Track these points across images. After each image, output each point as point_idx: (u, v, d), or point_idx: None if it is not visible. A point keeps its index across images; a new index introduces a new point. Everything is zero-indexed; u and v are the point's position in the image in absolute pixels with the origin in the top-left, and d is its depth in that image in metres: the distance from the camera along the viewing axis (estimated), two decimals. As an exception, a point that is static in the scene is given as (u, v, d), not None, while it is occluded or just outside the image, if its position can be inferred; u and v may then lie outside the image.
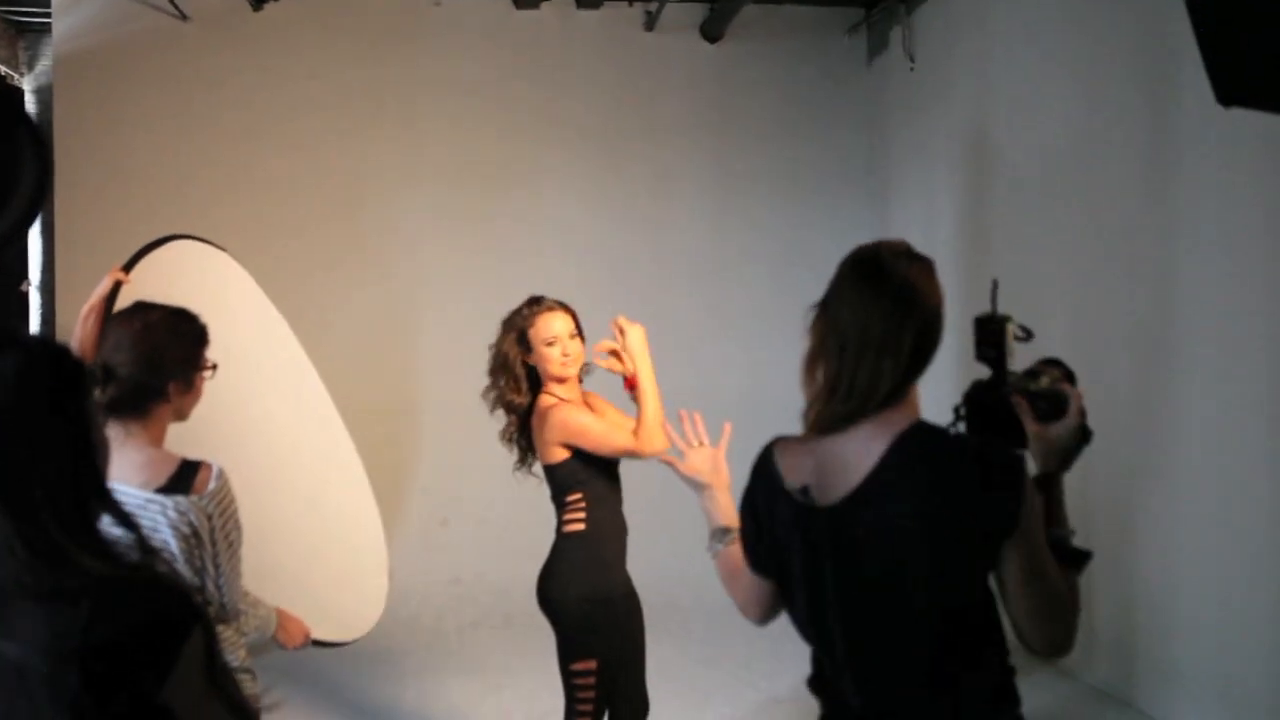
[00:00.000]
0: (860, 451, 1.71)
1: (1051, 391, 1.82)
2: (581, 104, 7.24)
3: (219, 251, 3.83)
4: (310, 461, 3.90)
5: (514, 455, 3.59)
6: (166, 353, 2.30)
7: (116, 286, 2.87)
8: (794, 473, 1.78)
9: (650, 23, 7.20)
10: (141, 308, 2.39)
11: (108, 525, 1.42)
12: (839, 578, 1.72)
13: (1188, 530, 4.45)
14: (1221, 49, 2.22)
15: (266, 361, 3.91)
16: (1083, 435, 1.83)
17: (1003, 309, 1.84)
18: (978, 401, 1.84)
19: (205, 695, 1.37)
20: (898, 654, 1.72)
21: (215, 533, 2.19)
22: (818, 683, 1.88)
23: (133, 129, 6.77)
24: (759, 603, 1.95)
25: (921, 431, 1.72)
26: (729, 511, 2.12)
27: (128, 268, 3.00)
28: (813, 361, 1.79)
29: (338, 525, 3.90)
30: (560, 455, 3.34)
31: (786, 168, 7.39)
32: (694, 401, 7.31)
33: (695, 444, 2.41)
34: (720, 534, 2.11)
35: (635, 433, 3.25)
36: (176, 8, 6.76)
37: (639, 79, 7.28)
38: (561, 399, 3.39)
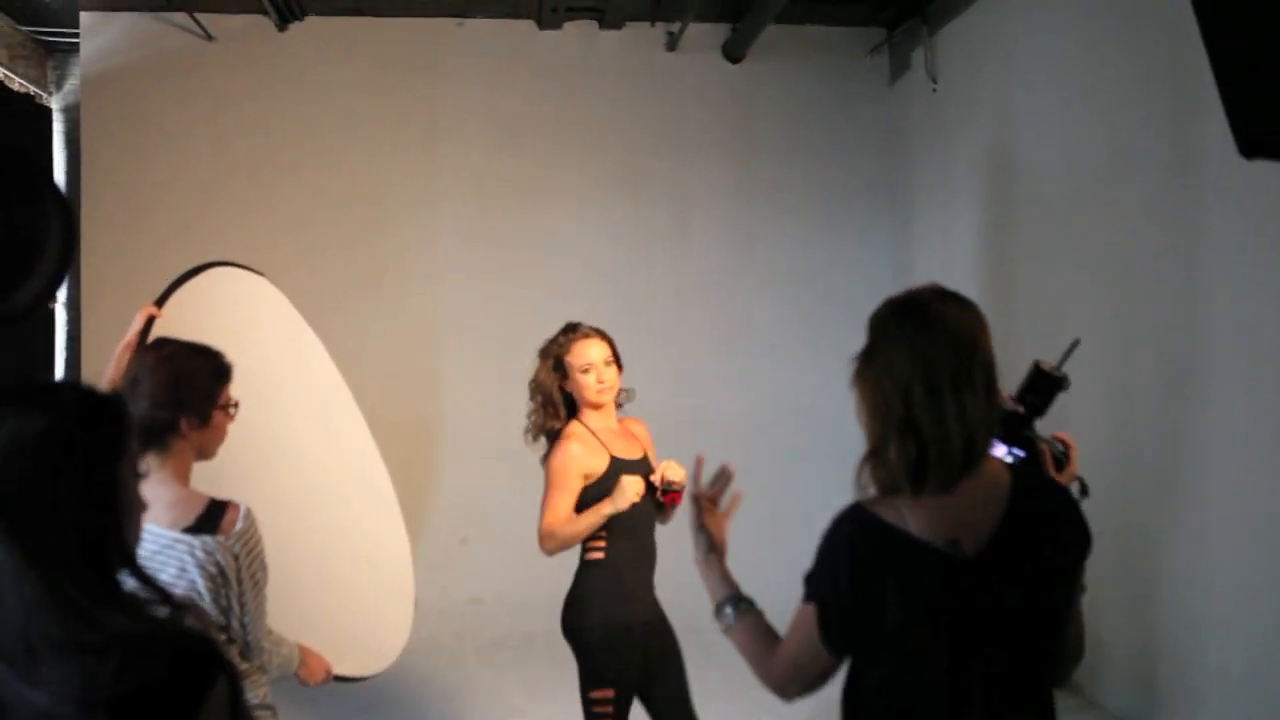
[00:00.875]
0: (989, 497, 1.73)
1: (1062, 444, 1.99)
2: (603, 123, 7.26)
3: (256, 276, 3.82)
4: (344, 492, 3.89)
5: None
6: (181, 386, 2.30)
7: (150, 321, 2.89)
8: (935, 528, 1.71)
9: (673, 43, 7.21)
10: (160, 342, 2.41)
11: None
12: (987, 628, 1.71)
13: (1211, 555, 4.41)
14: (1244, 102, 2.22)
15: (303, 389, 3.90)
16: (1082, 489, 2.00)
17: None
18: (1008, 434, 1.93)
19: None
20: (1029, 691, 1.78)
21: (241, 572, 2.20)
22: None
23: (158, 147, 6.83)
24: (808, 680, 1.84)
25: (1012, 469, 1.79)
26: (732, 578, 2.08)
27: (161, 301, 3.02)
28: (876, 415, 1.75)
29: (367, 558, 3.90)
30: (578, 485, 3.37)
31: (807, 188, 7.39)
32: (711, 420, 7.40)
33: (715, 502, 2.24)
34: (733, 602, 2.02)
35: (541, 526, 3.33)
36: (202, 28, 6.82)
37: (661, 99, 7.30)
38: (589, 428, 3.42)
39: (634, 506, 3.30)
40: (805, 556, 6.76)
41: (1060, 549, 1.74)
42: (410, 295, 7.08)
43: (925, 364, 1.69)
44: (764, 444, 7.10)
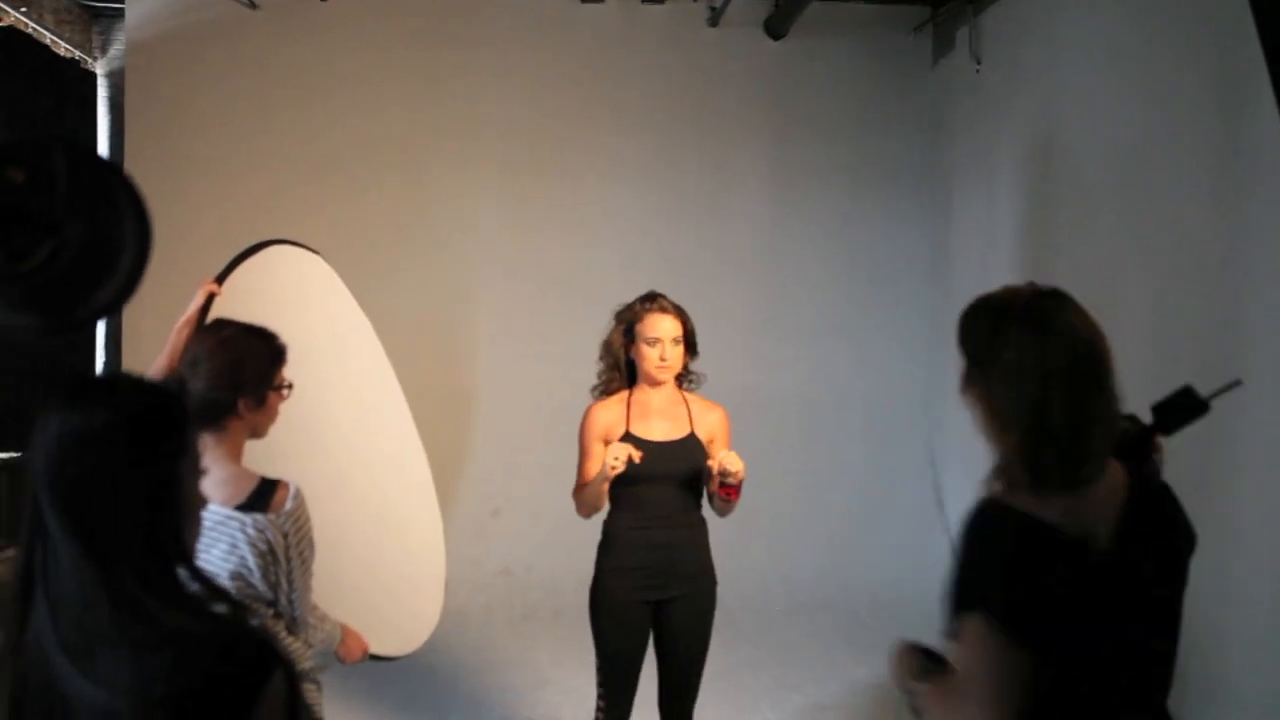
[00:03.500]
0: (1112, 492, 1.73)
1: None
2: (643, 97, 7.23)
3: (313, 255, 3.85)
4: (382, 473, 3.93)
5: None
6: (239, 369, 2.35)
7: (210, 298, 2.93)
8: (1079, 524, 1.69)
9: (714, 18, 7.17)
10: (219, 324, 2.45)
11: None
12: (1125, 623, 1.72)
13: (1241, 546, 4.38)
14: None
15: (350, 368, 3.94)
16: None
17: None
18: (1127, 441, 1.87)
19: None
20: (1152, 696, 1.80)
21: (290, 549, 2.25)
22: None
23: (201, 114, 6.87)
24: (1016, 695, 1.65)
25: (1129, 466, 1.79)
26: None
27: (221, 278, 3.06)
28: (996, 418, 1.74)
29: (401, 539, 3.94)
30: None
31: (847, 166, 7.35)
32: (749, 398, 7.36)
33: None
34: (922, 673, 1.85)
35: (578, 484, 3.48)
36: (246, -4, 6.84)
37: (701, 74, 7.26)
38: (630, 399, 3.47)
39: (637, 484, 3.37)
40: (843, 536, 6.83)
41: (1175, 547, 1.75)
42: (446, 266, 7.10)
43: (1051, 364, 1.68)
44: (801, 424, 7.11)
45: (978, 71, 6.73)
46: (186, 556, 1.44)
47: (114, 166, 0.88)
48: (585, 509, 3.48)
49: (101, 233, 0.87)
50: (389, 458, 4.05)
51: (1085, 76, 5.56)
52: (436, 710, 5.01)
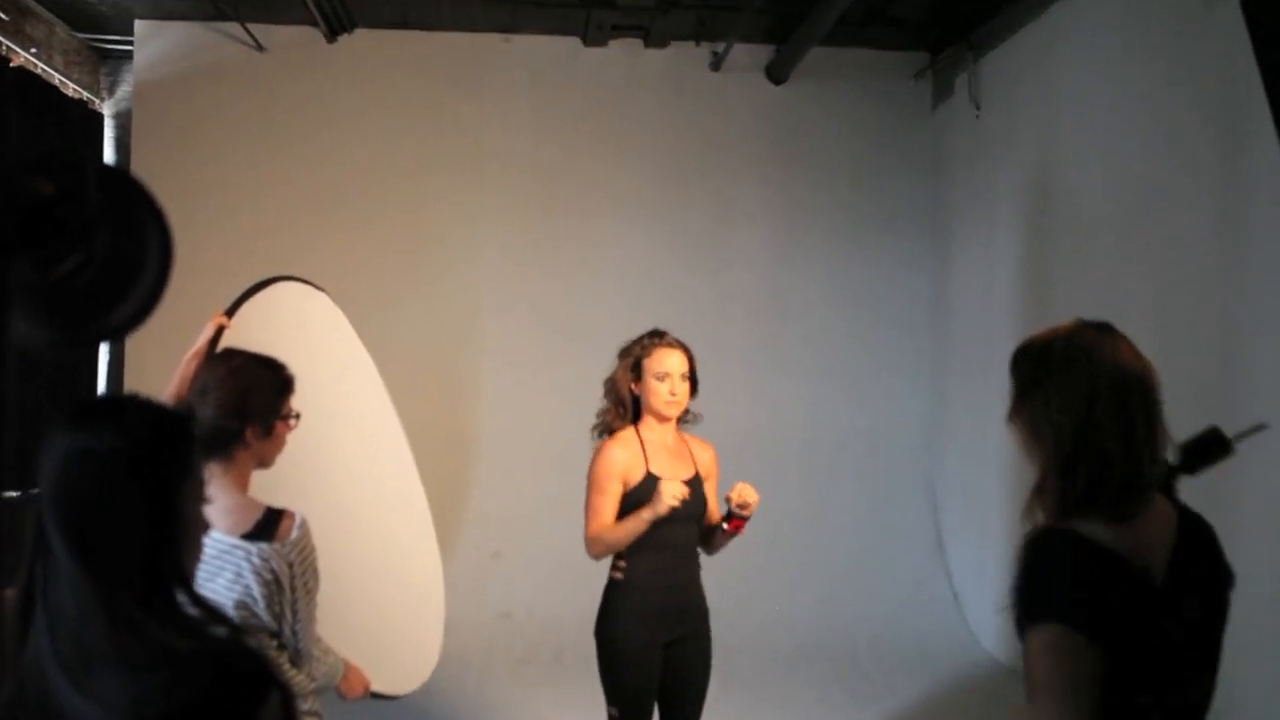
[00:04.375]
0: (1163, 524, 1.76)
1: None
2: (646, 141, 7.30)
3: (318, 291, 3.88)
4: (385, 511, 3.93)
5: None
6: (248, 398, 2.36)
7: (219, 331, 2.96)
8: (1138, 554, 1.72)
9: (717, 63, 7.25)
10: (229, 353, 2.46)
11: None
12: (1177, 652, 1.75)
13: (1242, 569, 4.35)
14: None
15: (352, 403, 3.94)
16: None
17: None
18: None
19: None
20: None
21: (295, 580, 2.24)
22: None
23: (207, 155, 6.92)
24: (1092, 695, 1.65)
25: (1175, 499, 1.81)
26: None
27: (230, 312, 3.08)
28: (1038, 445, 1.79)
29: (401, 577, 3.92)
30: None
31: (849, 209, 7.41)
32: (750, 437, 7.36)
33: None
34: None
35: (587, 532, 3.34)
36: (253, 38, 6.91)
37: (704, 118, 7.33)
38: (640, 437, 3.43)
39: (661, 525, 3.28)
40: (840, 577, 6.80)
41: (1219, 581, 1.77)
42: (449, 306, 7.13)
43: (1093, 393, 1.73)
44: (802, 463, 7.10)
45: (977, 116, 6.80)
46: (185, 579, 1.44)
47: (139, 185, 0.90)
48: (607, 550, 3.36)
49: (124, 250, 0.88)
50: (390, 494, 4.04)
51: (1082, 118, 5.62)
52: (435, 751, 4.97)
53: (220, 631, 1.43)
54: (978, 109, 6.78)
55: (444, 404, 6.98)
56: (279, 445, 2.42)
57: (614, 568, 3.43)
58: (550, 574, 6.68)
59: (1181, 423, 1.93)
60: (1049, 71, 5.97)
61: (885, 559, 6.96)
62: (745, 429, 6.90)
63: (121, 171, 0.95)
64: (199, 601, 1.44)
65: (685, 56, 7.32)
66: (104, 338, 0.93)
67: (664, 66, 7.32)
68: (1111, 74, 5.37)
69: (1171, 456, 1.88)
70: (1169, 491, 1.84)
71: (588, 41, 7.19)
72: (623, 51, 7.29)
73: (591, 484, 3.38)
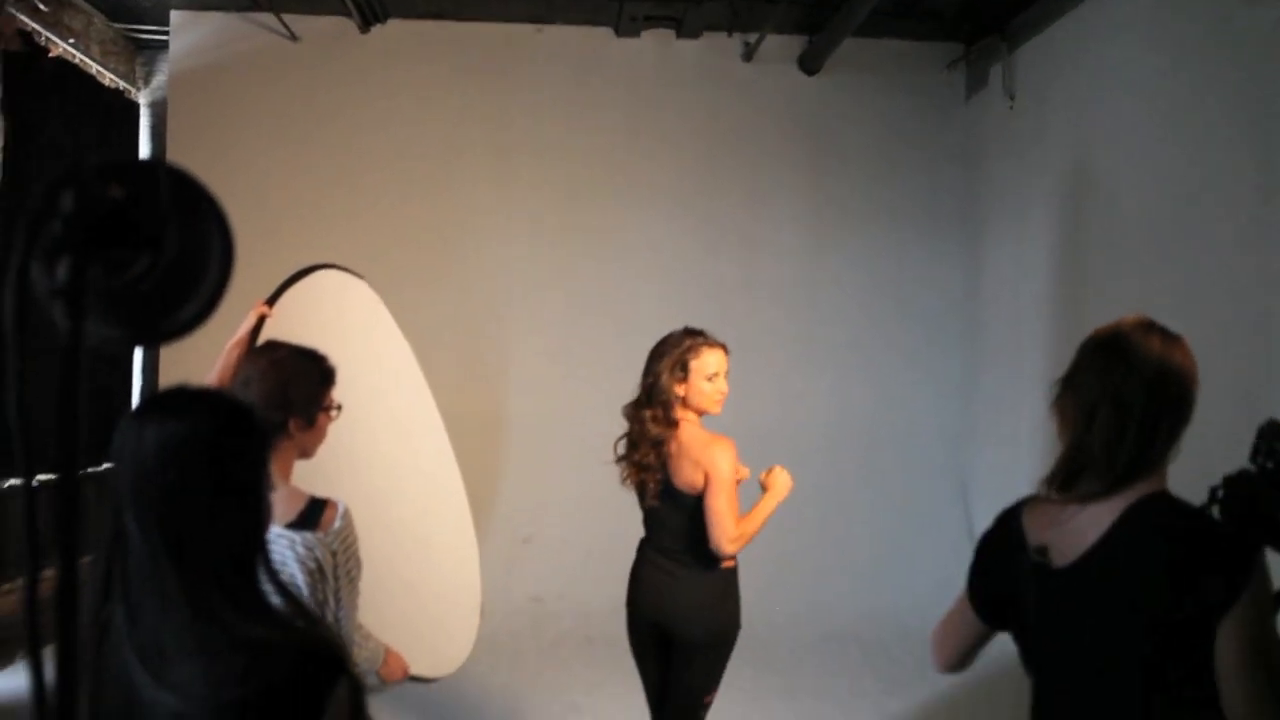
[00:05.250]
0: (1095, 519, 1.80)
1: None
2: (678, 132, 7.30)
3: (357, 280, 3.91)
4: (423, 498, 3.97)
5: (624, 475, 3.52)
6: (290, 389, 2.39)
7: (261, 320, 2.99)
8: (1036, 532, 1.88)
9: (749, 54, 7.24)
10: (271, 345, 2.50)
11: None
12: (1061, 638, 1.83)
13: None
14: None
15: (391, 391, 3.98)
16: None
17: None
18: (1241, 491, 1.83)
19: None
20: (1103, 713, 1.79)
21: (338, 569, 2.27)
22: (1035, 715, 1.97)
23: (241, 144, 6.99)
24: (956, 647, 2.03)
25: (1157, 503, 1.78)
26: None
27: (272, 300, 3.12)
28: (1061, 429, 1.89)
29: (440, 563, 3.96)
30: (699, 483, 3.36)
31: (881, 201, 7.39)
32: (780, 428, 7.35)
33: None
34: None
35: (730, 530, 3.24)
36: (287, 28, 6.96)
37: (736, 109, 7.33)
38: (680, 438, 3.42)
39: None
40: (871, 568, 6.82)
41: (1178, 585, 1.68)
42: (481, 294, 7.17)
43: (1113, 386, 1.80)
44: (832, 457, 7.11)
45: (1011, 107, 6.76)
46: (268, 564, 1.47)
47: (202, 186, 0.93)
48: (746, 544, 3.30)
49: (190, 251, 0.91)
50: (428, 482, 4.08)
51: (1119, 111, 5.58)
52: (467, 737, 5.02)
53: (296, 619, 1.46)
54: (1011, 100, 6.75)
55: (474, 390, 7.02)
56: (321, 436, 2.45)
57: (725, 557, 3.37)
58: (580, 560, 6.74)
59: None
60: (1084, 63, 5.93)
61: (915, 550, 6.96)
62: (774, 420, 6.91)
63: (186, 173, 0.98)
64: (280, 586, 1.47)
65: (718, 47, 7.31)
66: (169, 336, 0.95)
67: (696, 57, 7.32)
68: (1147, 66, 5.33)
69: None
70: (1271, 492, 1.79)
71: (620, 32, 7.20)
72: (655, 42, 7.29)
73: (724, 483, 3.27)
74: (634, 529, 3.64)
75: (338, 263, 3.90)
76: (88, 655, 1.38)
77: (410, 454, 3.97)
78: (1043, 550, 1.84)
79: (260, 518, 1.46)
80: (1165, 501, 1.78)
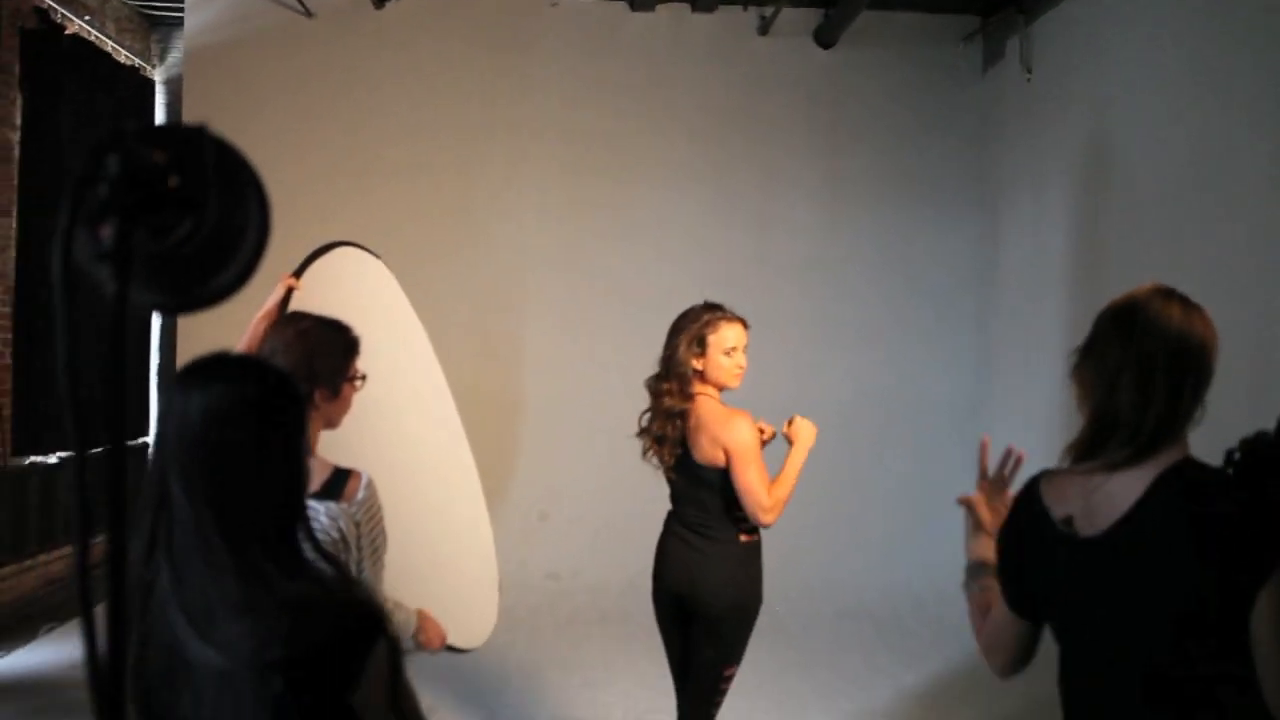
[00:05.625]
0: (1126, 486, 1.77)
1: None
2: (693, 105, 7.28)
3: (373, 258, 3.93)
4: (439, 472, 3.98)
5: (646, 447, 3.51)
6: (315, 360, 2.40)
7: (289, 292, 3.01)
8: (1060, 504, 1.84)
9: (764, 27, 7.21)
10: (296, 316, 2.51)
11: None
12: (1092, 607, 1.80)
13: None
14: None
15: (408, 370, 4.00)
16: None
17: None
18: (1263, 453, 1.77)
19: (387, 704, 1.46)
20: (1133, 685, 1.76)
21: (362, 539, 2.29)
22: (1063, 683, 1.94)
23: (257, 119, 6.97)
24: (1006, 647, 1.96)
25: (1188, 469, 1.76)
26: (990, 549, 2.10)
27: (298, 273, 3.14)
28: (1080, 397, 1.88)
29: (458, 539, 3.99)
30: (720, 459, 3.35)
31: (896, 175, 7.36)
32: (793, 405, 7.37)
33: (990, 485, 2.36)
34: (978, 569, 2.11)
35: (765, 499, 3.22)
36: (302, 5, 6.96)
37: (751, 83, 7.30)
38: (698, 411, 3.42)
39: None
40: (885, 543, 6.84)
41: (1216, 553, 1.66)
42: (495, 270, 7.18)
43: (1131, 353, 1.78)
44: (847, 432, 7.10)
45: (1028, 80, 6.72)
46: (309, 527, 1.49)
47: (243, 156, 0.93)
48: (782, 509, 3.31)
49: (229, 218, 0.92)
50: (442, 458, 4.10)
51: (1138, 85, 5.54)
52: (487, 709, 5.05)
53: (337, 581, 1.49)
54: (1029, 73, 6.71)
55: (488, 367, 7.04)
56: (346, 406, 2.46)
57: (743, 532, 3.37)
58: (595, 536, 6.77)
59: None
60: (1102, 35, 5.89)
61: (930, 525, 6.96)
62: (787, 396, 6.89)
63: (226, 140, 0.98)
64: (320, 548, 1.50)
65: (732, 21, 7.28)
66: (208, 302, 0.97)
67: (711, 31, 7.29)
68: (1165, 37, 5.29)
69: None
70: (1184, 463, 1.77)
71: (635, 6, 7.18)
72: (670, 16, 7.27)
73: (748, 456, 3.26)
74: (649, 506, 3.64)
75: (350, 239, 3.93)
76: (134, 617, 1.41)
77: (424, 431, 3.99)
78: (1068, 521, 1.81)
79: (301, 481, 1.49)
80: (1195, 468, 1.76)
